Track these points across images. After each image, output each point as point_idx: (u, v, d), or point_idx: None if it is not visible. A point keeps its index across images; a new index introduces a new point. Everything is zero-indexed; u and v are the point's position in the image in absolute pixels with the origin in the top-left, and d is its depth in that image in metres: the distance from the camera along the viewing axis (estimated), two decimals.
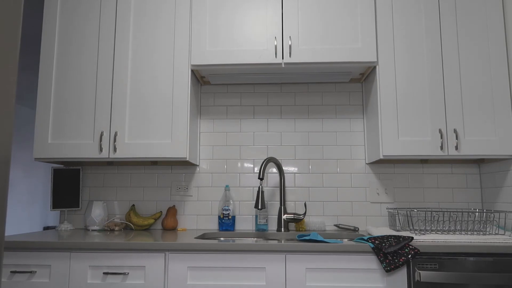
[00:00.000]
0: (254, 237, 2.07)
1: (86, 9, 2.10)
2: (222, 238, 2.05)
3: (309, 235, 1.73)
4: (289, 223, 2.21)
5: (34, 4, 2.93)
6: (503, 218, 1.88)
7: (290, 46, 1.99)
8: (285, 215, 2.14)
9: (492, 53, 1.96)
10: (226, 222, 2.16)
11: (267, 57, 2.00)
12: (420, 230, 1.84)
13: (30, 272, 1.64)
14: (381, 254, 1.56)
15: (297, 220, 2.12)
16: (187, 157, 1.98)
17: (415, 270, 1.55)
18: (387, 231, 1.84)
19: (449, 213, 1.89)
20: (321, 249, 1.59)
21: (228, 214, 2.16)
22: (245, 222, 2.24)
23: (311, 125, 2.30)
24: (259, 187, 2.07)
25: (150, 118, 2.01)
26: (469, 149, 1.90)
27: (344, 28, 2.01)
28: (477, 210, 1.86)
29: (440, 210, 2.03)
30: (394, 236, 1.63)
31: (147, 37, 2.07)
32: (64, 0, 2.11)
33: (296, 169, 2.27)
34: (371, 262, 1.58)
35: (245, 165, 2.29)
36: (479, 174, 2.21)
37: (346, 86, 2.32)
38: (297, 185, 2.26)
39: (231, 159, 2.30)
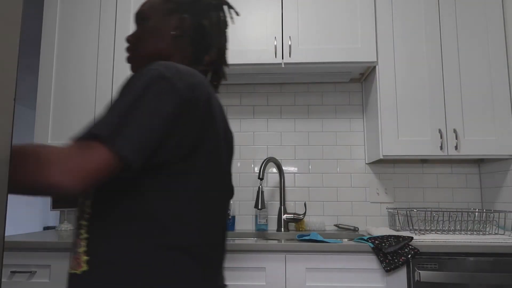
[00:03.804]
0: (254, 237, 2.07)
1: (86, 9, 2.10)
2: None
3: (309, 235, 1.73)
4: (289, 223, 2.21)
5: (36, 5, 2.93)
6: (503, 218, 1.88)
7: (290, 46, 1.99)
8: (285, 215, 2.14)
9: (492, 53, 1.96)
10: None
11: (267, 57, 2.00)
12: (420, 230, 1.84)
13: (30, 272, 1.64)
14: (381, 254, 1.56)
15: (297, 220, 2.13)
16: None
17: (415, 270, 1.55)
18: (387, 231, 1.84)
19: (449, 213, 1.90)
20: (321, 249, 1.59)
21: (228, 214, 2.16)
22: (245, 222, 2.24)
23: (311, 125, 2.30)
24: (259, 187, 2.07)
25: None
26: (469, 149, 1.90)
27: (344, 28, 2.01)
28: (477, 210, 1.86)
29: (440, 210, 2.03)
30: (394, 236, 1.63)
31: None
32: (64, 1, 2.11)
33: (296, 169, 2.27)
34: (371, 262, 1.58)
35: (245, 165, 2.29)
36: (479, 174, 2.21)
37: (346, 86, 2.32)
38: (297, 185, 2.26)
39: None
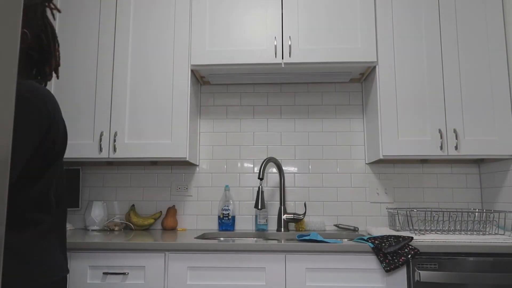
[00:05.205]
0: (254, 237, 2.07)
1: (86, 9, 2.10)
2: (222, 238, 2.05)
3: (309, 235, 1.74)
4: (289, 223, 2.21)
5: None
6: (503, 218, 1.88)
7: (290, 46, 1.99)
8: (285, 215, 2.14)
9: (492, 52, 1.96)
10: (226, 222, 2.16)
11: (267, 57, 2.00)
12: (420, 230, 1.84)
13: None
14: (381, 254, 1.56)
15: (297, 220, 2.13)
16: (187, 157, 1.98)
17: (415, 270, 1.55)
18: (387, 231, 1.84)
19: (449, 213, 1.90)
20: (321, 249, 1.59)
21: (228, 214, 2.16)
22: (245, 222, 2.24)
23: (311, 125, 2.30)
24: (259, 187, 2.07)
25: (150, 118, 2.01)
26: (469, 149, 1.90)
27: (344, 28, 2.01)
28: (477, 210, 1.86)
29: (440, 210, 2.03)
30: (394, 236, 1.63)
31: (147, 37, 2.07)
32: (63, 0, 2.11)
33: (296, 169, 2.27)
34: (371, 262, 1.58)
35: (245, 165, 2.29)
36: (479, 174, 2.21)
37: (346, 86, 2.32)
38: (297, 185, 2.26)
39: (231, 159, 2.30)
